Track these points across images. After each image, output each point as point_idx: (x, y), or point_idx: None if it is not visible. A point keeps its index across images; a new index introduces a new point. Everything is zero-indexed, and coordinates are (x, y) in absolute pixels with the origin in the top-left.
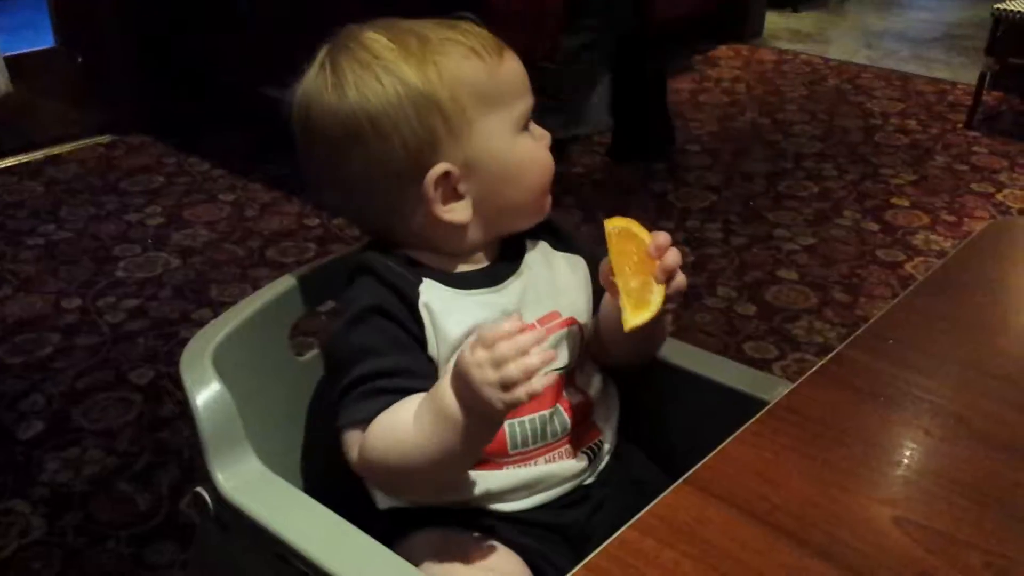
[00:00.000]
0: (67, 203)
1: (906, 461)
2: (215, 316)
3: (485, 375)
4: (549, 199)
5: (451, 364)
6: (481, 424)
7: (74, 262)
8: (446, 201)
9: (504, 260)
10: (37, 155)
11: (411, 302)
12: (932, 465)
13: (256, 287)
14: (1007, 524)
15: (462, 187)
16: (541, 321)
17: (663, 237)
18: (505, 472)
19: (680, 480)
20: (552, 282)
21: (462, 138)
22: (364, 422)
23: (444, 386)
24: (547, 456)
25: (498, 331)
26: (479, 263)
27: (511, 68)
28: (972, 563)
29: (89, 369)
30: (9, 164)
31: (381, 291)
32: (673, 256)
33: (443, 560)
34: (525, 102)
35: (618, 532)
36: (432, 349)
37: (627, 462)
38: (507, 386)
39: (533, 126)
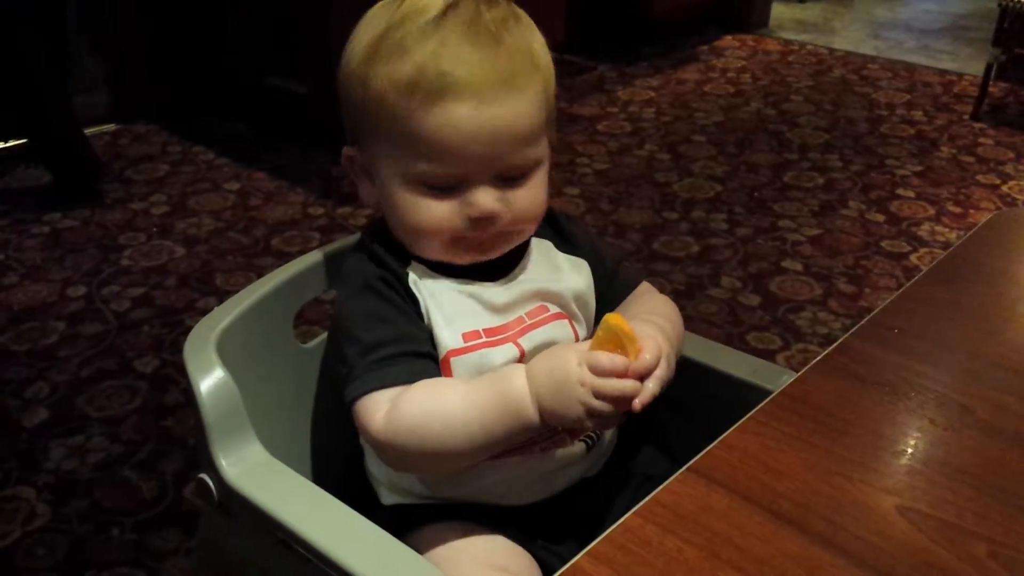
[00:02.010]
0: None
1: (911, 450)
2: (220, 305)
3: (581, 394)
4: (462, 249)
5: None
6: (533, 422)
7: (79, 250)
8: (363, 175)
9: (501, 257)
10: None
11: (402, 280)
12: (937, 454)
13: (261, 276)
14: (1012, 513)
15: (376, 178)
16: (529, 315)
17: (641, 364)
18: (502, 463)
19: (684, 468)
20: (551, 282)
21: (372, 144)
22: (392, 386)
23: (514, 374)
24: (542, 445)
25: (610, 365)
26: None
27: (440, 129)
28: (977, 552)
29: (94, 357)
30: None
31: (374, 267)
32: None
33: (448, 555)
34: (435, 167)
35: (621, 519)
36: (427, 324)
37: (637, 457)
38: (591, 413)
39: (479, 194)
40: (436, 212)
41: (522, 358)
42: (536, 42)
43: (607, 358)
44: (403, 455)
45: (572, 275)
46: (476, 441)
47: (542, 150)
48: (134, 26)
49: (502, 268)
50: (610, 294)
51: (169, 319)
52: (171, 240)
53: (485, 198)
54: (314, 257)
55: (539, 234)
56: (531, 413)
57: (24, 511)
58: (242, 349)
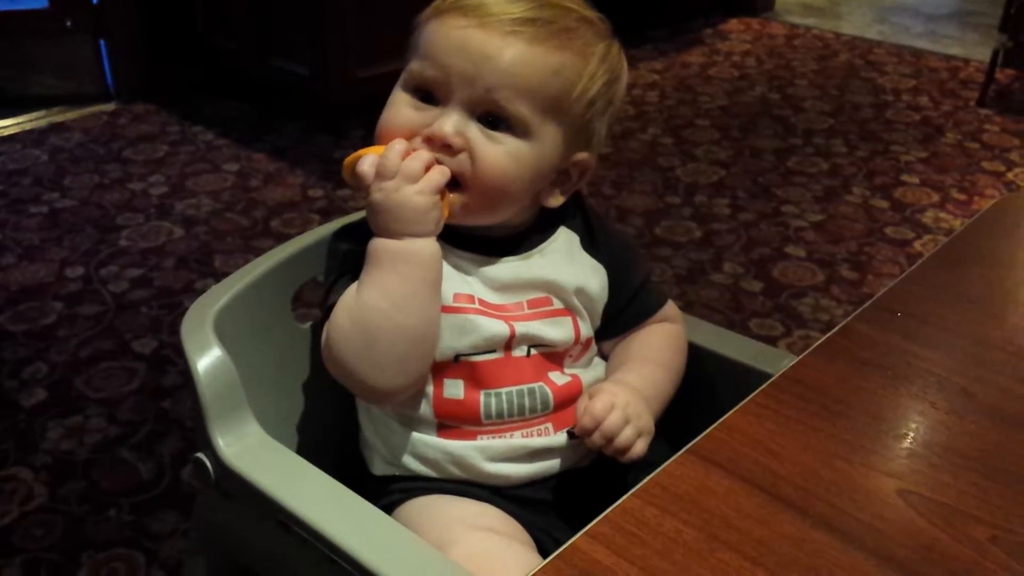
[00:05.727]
0: (71, 171)
1: (912, 434)
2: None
3: (394, 187)
4: None
5: None
6: (413, 243)
7: (77, 231)
8: None
9: (526, 237)
10: (41, 123)
11: None
12: (938, 438)
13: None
14: (1013, 497)
15: None
16: (530, 304)
17: (588, 420)
18: (478, 442)
19: (683, 449)
20: (561, 274)
21: None
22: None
23: (371, 242)
24: (524, 431)
25: (378, 162)
26: (495, 230)
27: (435, 31)
28: (977, 536)
29: (92, 338)
30: (12, 132)
31: None
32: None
33: (436, 521)
34: (422, 66)
35: (620, 500)
36: None
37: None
38: (415, 192)
39: (446, 115)
40: (403, 113)
41: (512, 338)
42: (595, 58)
43: (369, 161)
44: (350, 369)
45: (586, 273)
46: (394, 305)
47: (535, 122)
48: (133, 4)
49: (516, 246)
50: (623, 318)
51: (167, 300)
52: (169, 221)
53: (448, 120)
54: (312, 237)
55: (570, 225)
56: (396, 246)
57: (22, 492)
58: (240, 328)
